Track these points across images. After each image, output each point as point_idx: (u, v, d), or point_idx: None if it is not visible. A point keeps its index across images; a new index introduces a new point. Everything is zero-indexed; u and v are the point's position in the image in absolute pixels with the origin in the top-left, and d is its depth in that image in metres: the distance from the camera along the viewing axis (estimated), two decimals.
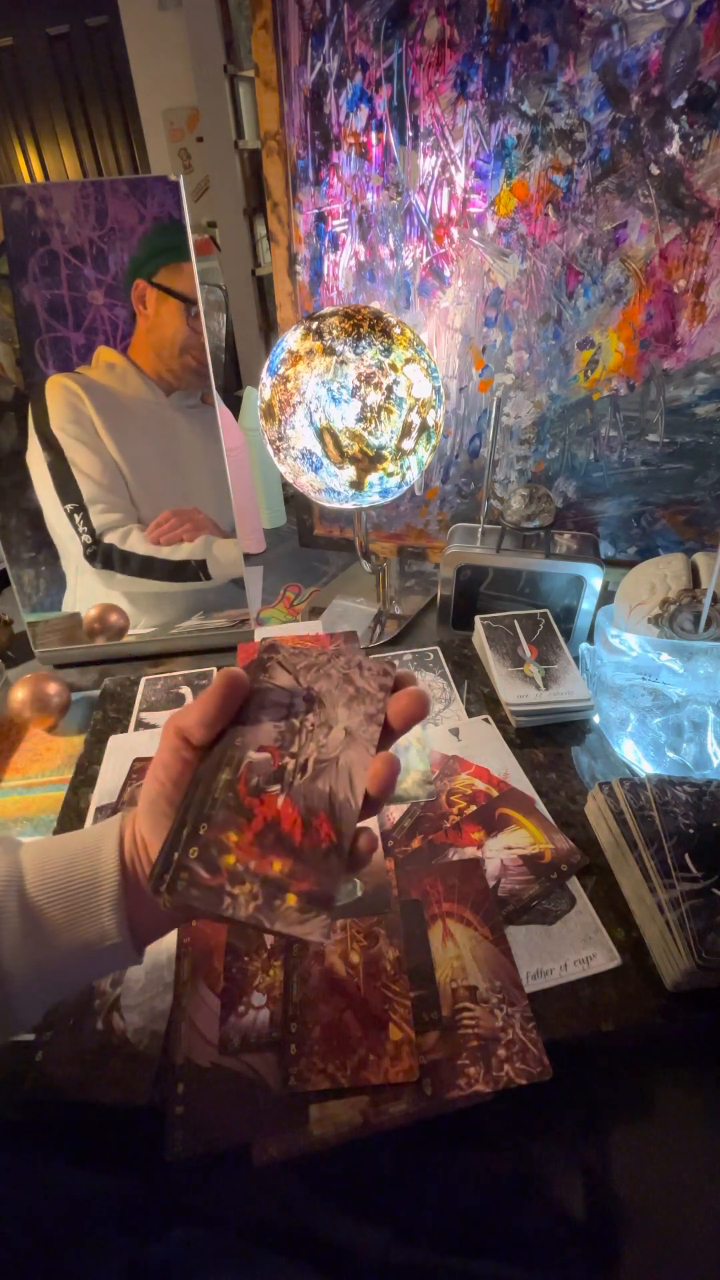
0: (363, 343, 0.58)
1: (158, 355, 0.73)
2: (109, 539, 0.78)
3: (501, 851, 0.53)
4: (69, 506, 0.77)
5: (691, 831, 0.48)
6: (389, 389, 0.59)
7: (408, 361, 0.60)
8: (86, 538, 0.78)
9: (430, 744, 0.64)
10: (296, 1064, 0.40)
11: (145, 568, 0.80)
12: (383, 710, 0.35)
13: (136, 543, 0.79)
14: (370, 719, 0.34)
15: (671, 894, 0.44)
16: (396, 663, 0.41)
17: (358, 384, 0.58)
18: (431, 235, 0.74)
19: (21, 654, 0.86)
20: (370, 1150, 0.38)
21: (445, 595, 0.81)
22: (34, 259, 0.67)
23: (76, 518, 0.77)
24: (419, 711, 0.35)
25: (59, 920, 0.33)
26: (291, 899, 0.29)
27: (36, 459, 0.75)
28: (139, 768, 0.63)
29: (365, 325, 0.59)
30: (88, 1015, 0.44)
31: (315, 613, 0.91)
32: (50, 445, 0.74)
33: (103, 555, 0.79)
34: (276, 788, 0.31)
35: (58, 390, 0.73)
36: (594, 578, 0.74)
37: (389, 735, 0.35)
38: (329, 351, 0.58)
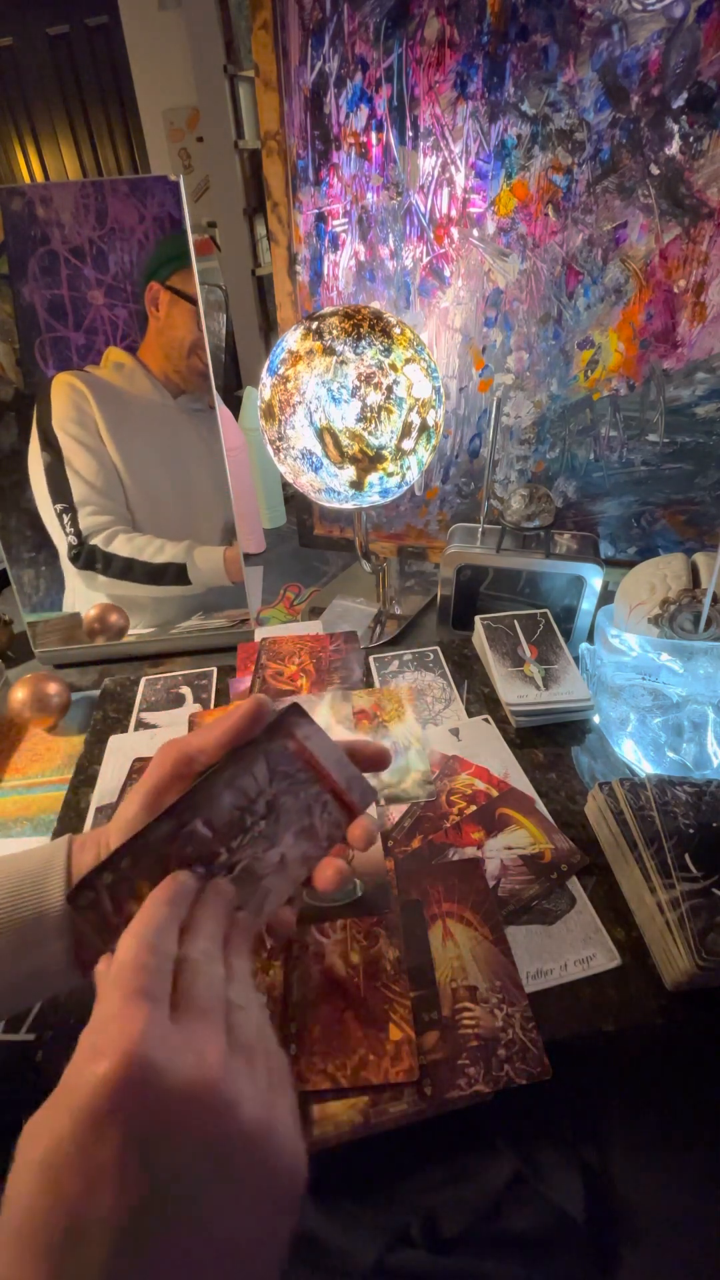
0: (363, 343, 0.58)
1: (167, 357, 0.73)
2: (94, 540, 0.79)
3: (501, 851, 0.53)
4: (59, 507, 0.77)
5: (691, 831, 0.48)
6: (389, 389, 0.59)
7: (408, 361, 0.60)
8: (72, 539, 0.78)
9: (430, 744, 0.64)
10: (296, 1064, 0.40)
11: (125, 570, 0.80)
12: (319, 857, 0.35)
13: (120, 545, 0.79)
14: (305, 860, 0.35)
15: (671, 894, 0.44)
16: (388, 747, 0.40)
17: (358, 384, 0.58)
18: (431, 235, 0.74)
19: (21, 654, 0.86)
20: (370, 1150, 0.38)
21: (445, 595, 0.81)
22: (34, 259, 0.67)
23: (65, 518, 0.77)
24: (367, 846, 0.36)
25: (2, 949, 0.33)
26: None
27: (35, 458, 0.75)
28: (139, 767, 0.63)
29: (365, 325, 0.59)
30: (88, 1015, 0.44)
31: (315, 613, 0.91)
32: (49, 444, 0.75)
33: (85, 556, 0.79)
34: (201, 870, 0.32)
35: (63, 388, 0.73)
36: (594, 578, 0.74)
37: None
38: (329, 351, 0.58)
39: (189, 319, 0.71)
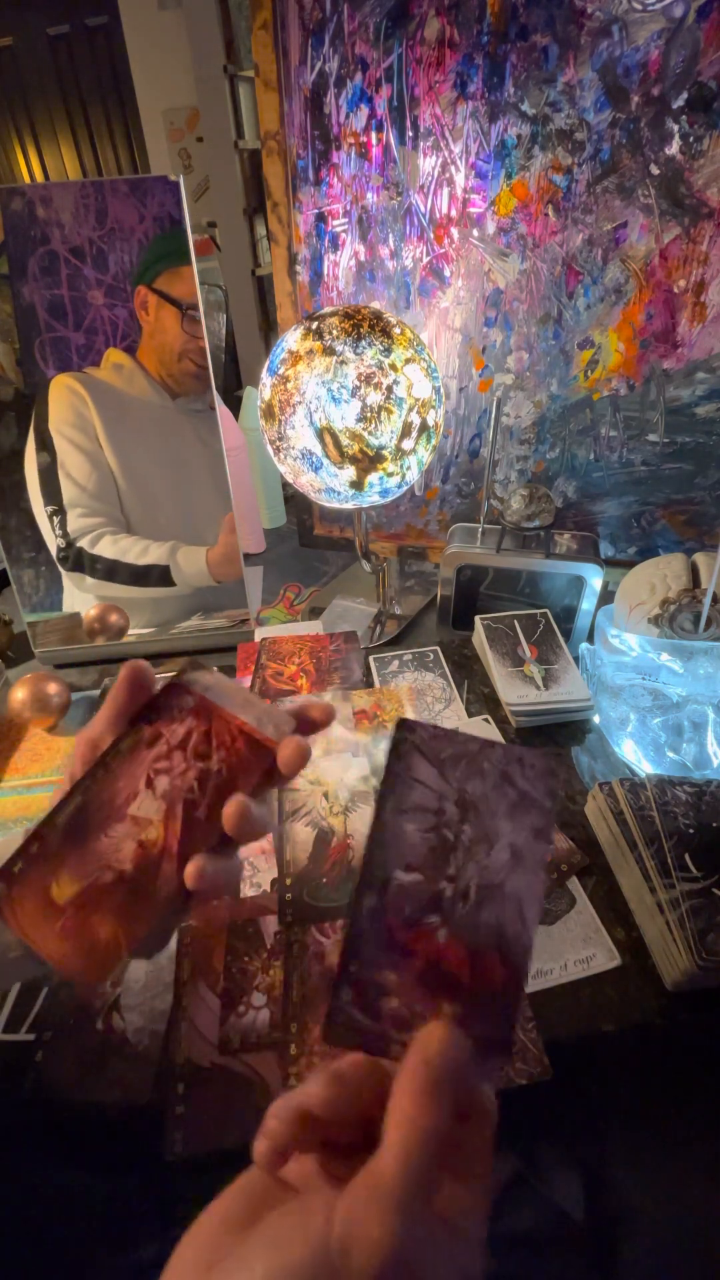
0: (363, 343, 0.58)
1: (160, 360, 0.73)
2: (80, 543, 0.78)
3: None
4: (50, 509, 0.77)
5: (691, 831, 0.48)
6: (389, 389, 0.59)
7: (408, 361, 0.60)
8: (60, 541, 0.78)
9: None
10: (296, 1064, 0.40)
11: (110, 572, 0.80)
12: (551, 823, 0.29)
13: (105, 547, 0.79)
14: (539, 835, 0.29)
15: (671, 894, 0.44)
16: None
17: (358, 384, 0.58)
18: (431, 235, 0.74)
19: (21, 654, 0.86)
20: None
21: (445, 595, 0.81)
22: (34, 259, 0.67)
23: (55, 520, 0.77)
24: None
25: None
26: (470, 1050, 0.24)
27: (30, 460, 0.75)
28: None
29: (365, 325, 0.59)
30: (88, 1015, 0.44)
31: (315, 613, 0.91)
32: (45, 446, 0.74)
33: (73, 558, 0.79)
34: (435, 918, 0.27)
35: (62, 390, 0.73)
36: (594, 578, 0.74)
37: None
38: (329, 351, 0.58)
39: (176, 322, 0.70)
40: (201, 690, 0.36)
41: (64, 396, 0.73)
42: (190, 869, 0.32)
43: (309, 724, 0.36)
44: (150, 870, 0.32)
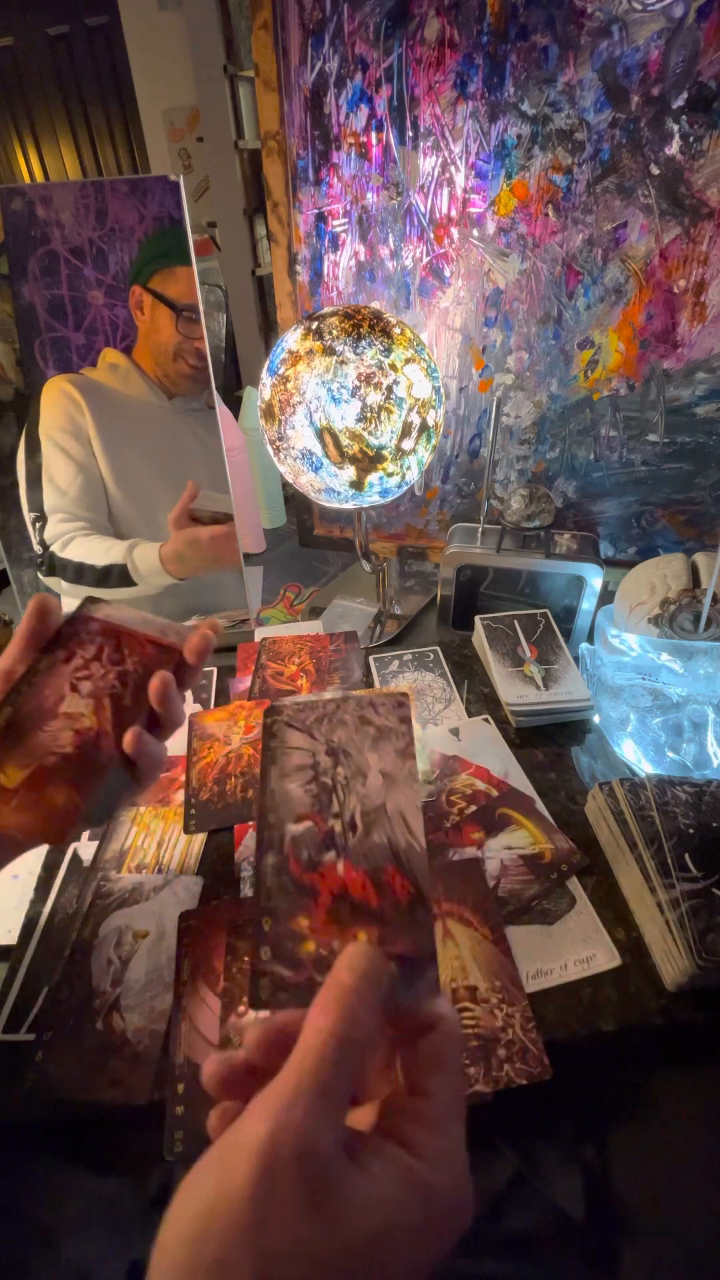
0: (363, 343, 0.58)
1: (155, 360, 0.73)
2: (53, 547, 0.78)
3: (501, 851, 0.53)
4: (32, 515, 0.77)
5: (691, 831, 0.48)
6: (389, 389, 0.59)
7: (408, 361, 0.60)
8: (38, 547, 0.78)
9: (430, 744, 0.64)
10: None
11: (78, 574, 0.79)
12: (411, 741, 0.33)
13: (73, 550, 0.78)
14: (402, 754, 0.32)
15: (671, 894, 0.44)
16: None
17: (358, 384, 0.58)
18: (431, 235, 0.74)
19: None
20: None
21: (445, 595, 0.81)
22: (34, 259, 0.67)
23: (37, 526, 0.77)
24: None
25: None
26: (391, 966, 0.25)
27: (21, 463, 0.75)
28: None
29: (365, 325, 0.59)
30: (88, 1015, 0.44)
31: (315, 613, 0.91)
32: (34, 450, 0.74)
33: (48, 563, 0.79)
34: (331, 854, 0.29)
35: (55, 394, 0.73)
36: (594, 578, 0.74)
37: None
38: (329, 351, 0.58)
39: (170, 322, 0.70)
40: (104, 617, 0.42)
41: (57, 400, 0.73)
42: (128, 736, 0.38)
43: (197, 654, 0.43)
44: (90, 748, 0.38)
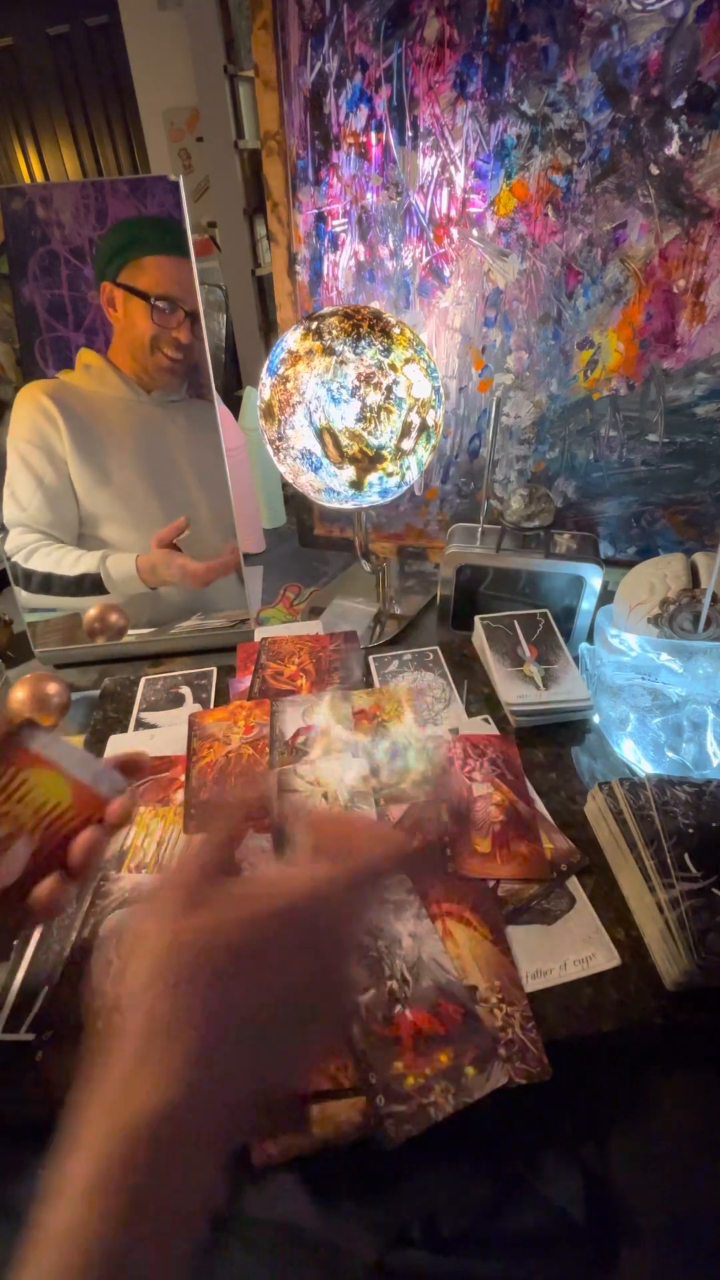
0: (362, 343, 0.58)
1: (133, 356, 0.72)
2: (15, 558, 0.78)
3: None
4: None
5: (691, 831, 0.48)
6: (389, 389, 0.59)
7: (407, 361, 0.60)
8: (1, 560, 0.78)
9: (430, 744, 0.64)
10: None
11: (45, 585, 0.79)
12: (418, 901, 0.46)
13: (38, 560, 0.78)
14: (418, 917, 0.45)
15: (671, 894, 0.44)
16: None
17: (357, 384, 0.58)
18: (431, 235, 0.74)
19: (21, 654, 0.86)
20: (370, 1150, 0.38)
21: (445, 595, 0.81)
22: (34, 259, 0.67)
23: None
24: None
25: None
26: (470, 1070, 0.38)
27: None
28: None
29: (365, 325, 0.59)
30: (88, 1015, 0.44)
31: (315, 613, 0.91)
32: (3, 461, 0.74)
33: (10, 573, 0.79)
34: (398, 1008, 0.39)
35: (26, 404, 0.72)
36: (594, 578, 0.74)
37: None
38: (329, 351, 0.58)
39: (144, 314, 0.69)
40: (38, 749, 0.38)
41: (28, 412, 0.72)
42: (43, 886, 0.36)
43: (127, 768, 0.41)
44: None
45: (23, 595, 0.80)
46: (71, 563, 0.78)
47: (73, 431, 0.74)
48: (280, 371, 0.61)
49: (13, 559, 0.78)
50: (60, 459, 0.75)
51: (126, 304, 0.69)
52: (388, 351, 0.59)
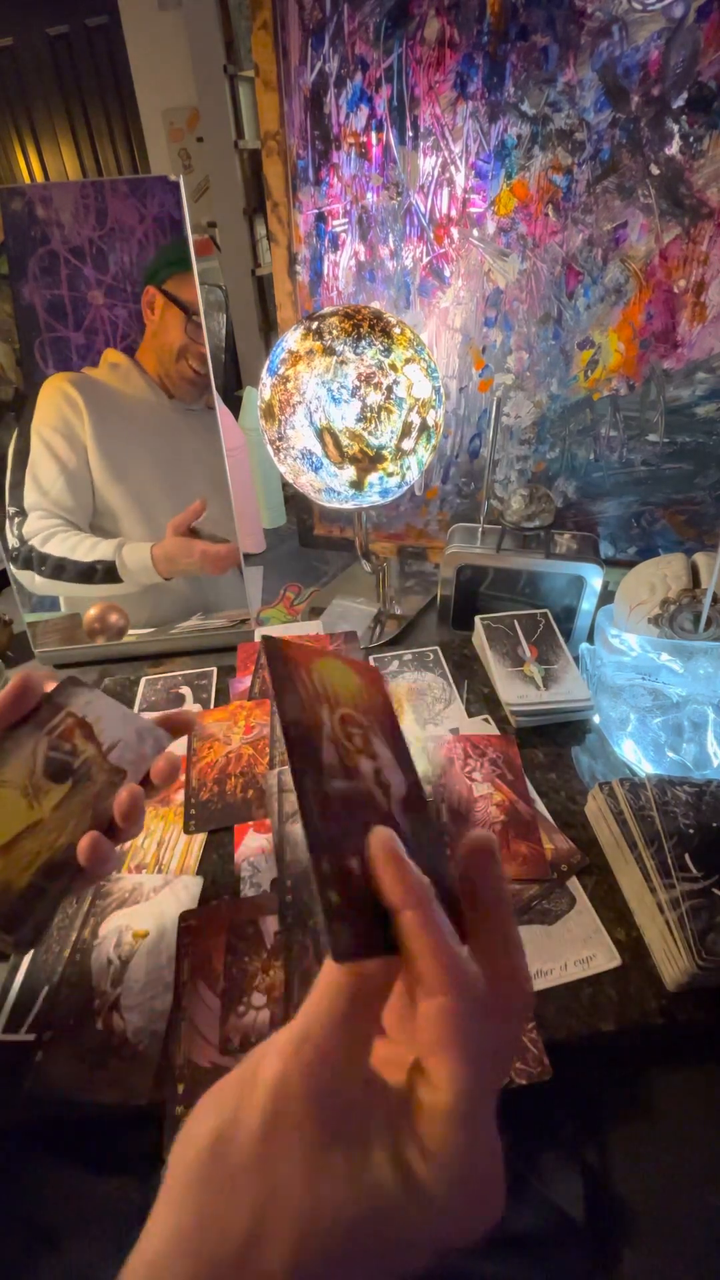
0: (363, 343, 0.58)
1: (159, 360, 0.73)
2: (32, 542, 0.78)
3: None
4: (12, 509, 0.77)
5: (691, 831, 0.48)
6: (389, 389, 0.59)
7: (408, 361, 0.60)
8: (15, 541, 0.78)
9: (430, 744, 0.64)
10: None
11: (58, 571, 0.79)
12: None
13: (55, 545, 0.78)
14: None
15: (671, 894, 0.44)
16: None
17: (358, 384, 0.58)
18: (431, 235, 0.74)
19: (21, 654, 0.86)
20: None
21: (445, 595, 0.81)
22: (34, 259, 0.67)
23: (17, 520, 0.77)
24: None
25: None
26: None
27: (11, 459, 0.75)
28: None
29: (365, 325, 0.59)
30: (88, 1015, 0.44)
31: (315, 613, 0.91)
32: (25, 448, 0.75)
33: (23, 557, 0.79)
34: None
35: (52, 392, 0.73)
36: (594, 578, 0.74)
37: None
38: (329, 351, 0.58)
39: (179, 324, 0.71)
40: (79, 708, 0.39)
41: (53, 399, 0.73)
42: (84, 842, 0.37)
43: (178, 729, 0.43)
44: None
45: (29, 583, 0.80)
46: (87, 549, 0.78)
47: (95, 422, 0.74)
48: (280, 371, 0.61)
49: (29, 542, 0.78)
50: (81, 445, 0.75)
51: (165, 311, 0.71)
52: (388, 351, 0.59)
